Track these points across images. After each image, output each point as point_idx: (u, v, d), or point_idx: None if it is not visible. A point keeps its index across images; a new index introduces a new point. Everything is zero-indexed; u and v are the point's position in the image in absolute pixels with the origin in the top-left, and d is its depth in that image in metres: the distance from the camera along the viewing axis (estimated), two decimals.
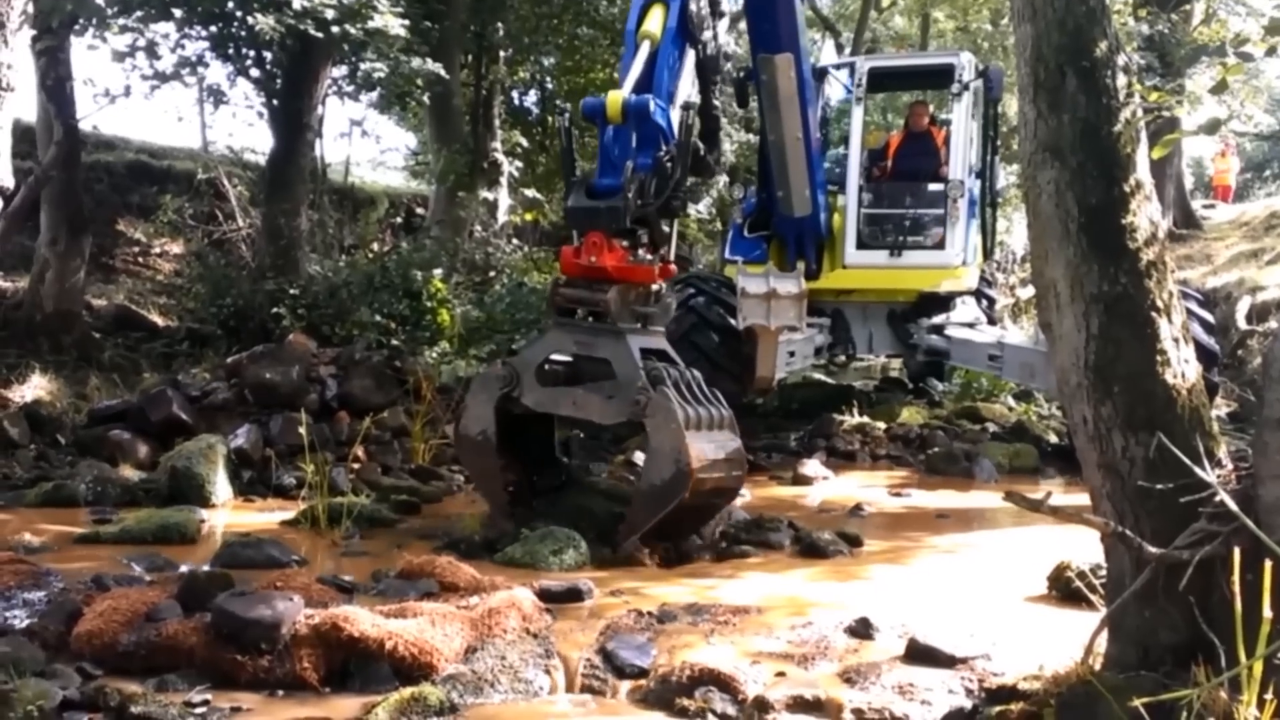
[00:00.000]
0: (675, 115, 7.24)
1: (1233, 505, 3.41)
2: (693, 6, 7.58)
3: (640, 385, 6.44)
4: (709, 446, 6.44)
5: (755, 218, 12.04)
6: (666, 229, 7.16)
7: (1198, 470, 3.50)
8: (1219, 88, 4.42)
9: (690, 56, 7.71)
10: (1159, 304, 3.71)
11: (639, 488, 6.64)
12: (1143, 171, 3.83)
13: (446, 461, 9.63)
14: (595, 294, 6.77)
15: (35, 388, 10.26)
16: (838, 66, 13.62)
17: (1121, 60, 3.85)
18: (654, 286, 6.98)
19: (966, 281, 12.16)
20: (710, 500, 6.69)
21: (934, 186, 11.92)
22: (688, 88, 7.72)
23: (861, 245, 11.90)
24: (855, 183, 11.98)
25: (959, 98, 11.84)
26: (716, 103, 7.87)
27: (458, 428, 7.30)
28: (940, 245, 11.77)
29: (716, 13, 8.01)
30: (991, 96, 11.88)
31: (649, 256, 6.95)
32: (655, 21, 7.28)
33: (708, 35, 7.81)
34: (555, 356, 7.06)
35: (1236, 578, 3.20)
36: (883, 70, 13.11)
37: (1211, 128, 4.55)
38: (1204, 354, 7.26)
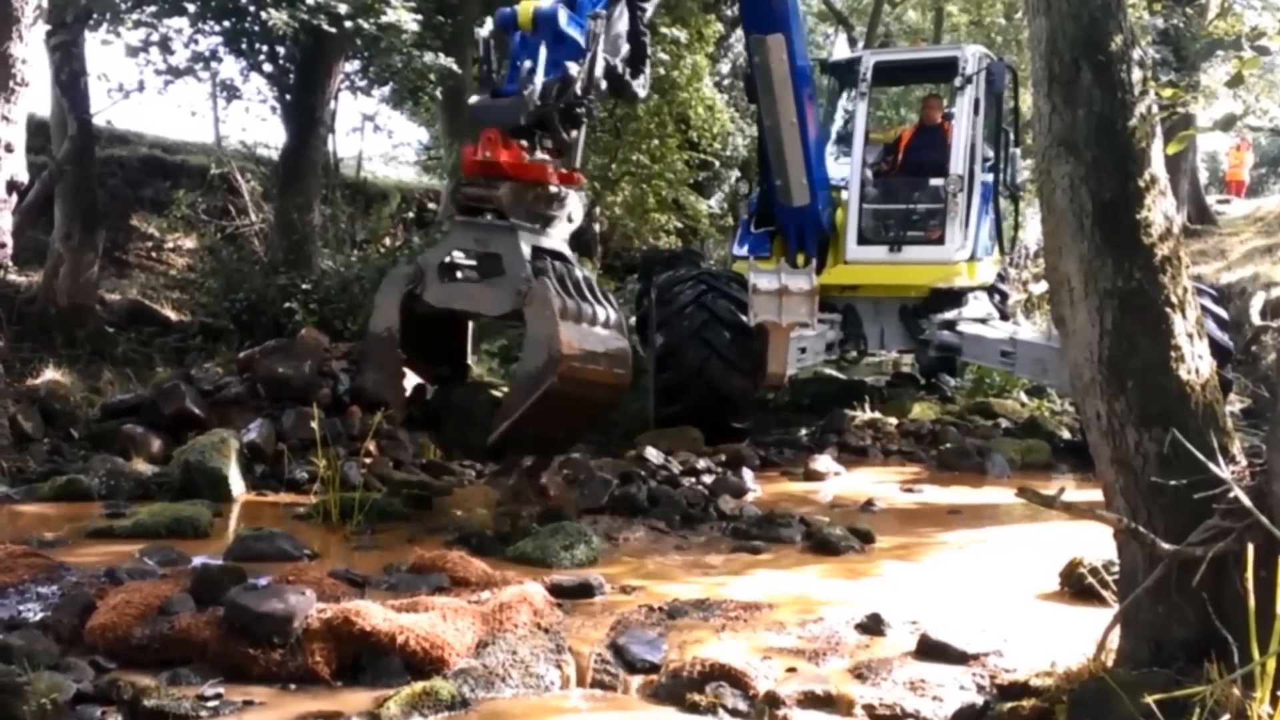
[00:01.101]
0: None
1: (1246, 501, 3.40)
2: None
3: (524, 277, 6.60)
4: (586, 338, 6.61)
5: (760, 212, 12.04)
6: (569, 137, 7.26)
7: (1211, 466, 3.48)
8: (1234, 82, 4.42)
9: None
10: (1173, 299, 3.69)
11: (515, 376, 6.83)
12: (1157, 166, 3.81)
13: (458, 456, 9.63)
14: (491, 191, 6.93)
15: (49, 381, 10.29)
16: (847, 62, 13.57)
17: (1136, 54, 3.83)
18: (554, 190, 7.10)
19: (979, 277, 12.10)
20: (586, 394, 6.71)
21: (935, 181, 11.83)
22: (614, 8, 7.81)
23: (863, 241, 11.85)
24: (858, 177, 11.93)
25: (962, 91, 11.77)
26: (644, 28, 7.95)
27: (365, 326, 7.44)
28: (939, 241, 11.69)
29: None
30: (994, 90, 11.82)
31: (547, 158, 7.09)
32: None
33: None
34: (464, 260, 7.18)
35: (1250, 574, 3.19)
36: (888, 64, 13.07)
37: (1227, 123, 4.54)
38: (1218, 350, 7.22)
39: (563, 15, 7.01)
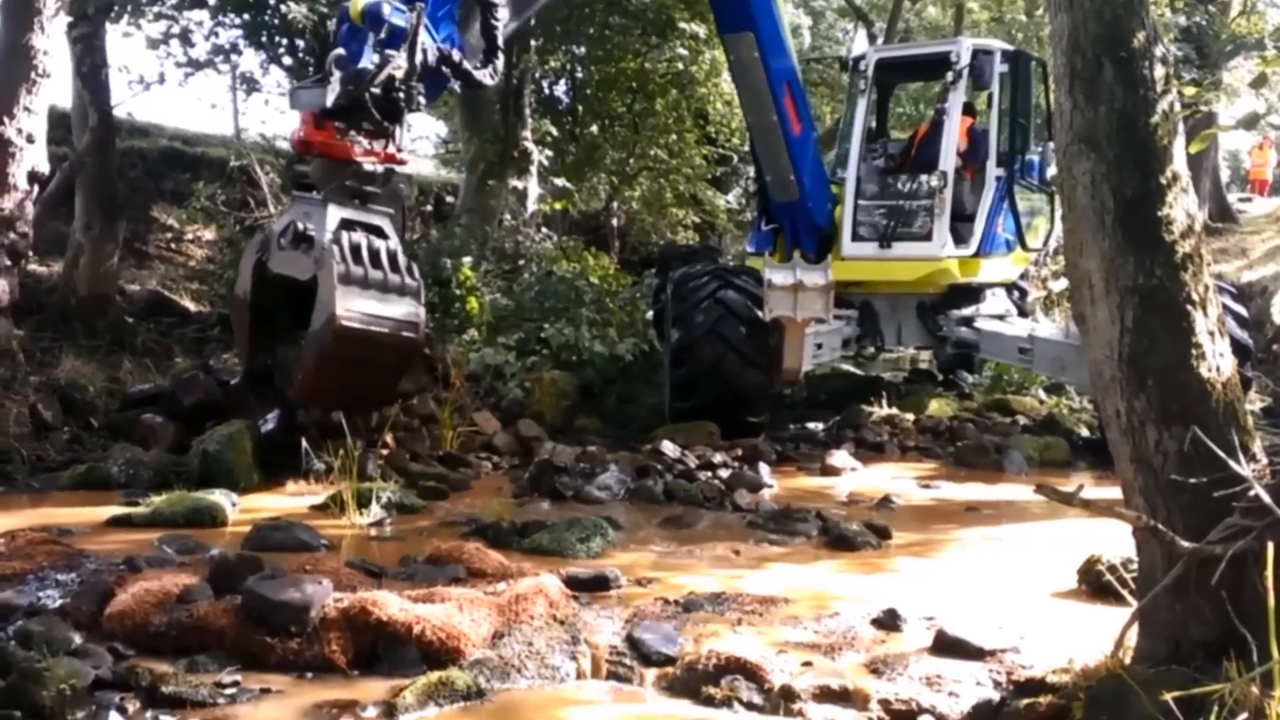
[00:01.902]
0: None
1: (1267, 499, 3.38)
2: None
3: (322, 244, 7.22)
4: (369, 303, 7.17)
5: (761, 206, 12.06)
6: (389, 124, 7.73)
7: (1232, 464, 3.46)
8: (1258, 81, 4.39)
9: None
10: (1194, 297, 3.67)
11: (306, 335, 7.30)
12: (1179, 163, 3.79)
13: (475, 449, 9.67)
14: (306, 168, 7.63)
15: (69, 371, 10.35)
16: (853, 59, 13.55)
17: (1159, 51, 3.81)
18: (371, 168, 7.64)
19: (985, 274, 11.98)
20: (368, 354, 7.28)
21: (924, 177, 11.77)
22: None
23: (856, 237, 11.82)
24: (854, 174, 11.89)
25: (954, 86, 11.70)
26: (496, 22, 8.34)
27: (231, 288, 8.14)
28: (928, 237, 11.62)
29: None
30: (980, 85, 11.75)
31: (364, 140, 7.64)
32: None
33: None
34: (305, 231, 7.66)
35: (1270, 573, 3.18)
36: (890, 60, 13.04)
37: (1250, 122, 4.52)
38: (1238, 348, 7.19)
39: (386, 8, 7.48)
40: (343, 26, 7.69)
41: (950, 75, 11.66)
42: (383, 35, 7.54)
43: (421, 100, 7.74)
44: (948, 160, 11.51)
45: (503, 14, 8.35)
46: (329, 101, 7.41)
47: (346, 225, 7.44)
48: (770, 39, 10.66)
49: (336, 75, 7.40)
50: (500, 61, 8.44)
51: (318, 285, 7.21)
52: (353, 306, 7.05)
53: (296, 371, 7.31)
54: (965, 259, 11.70)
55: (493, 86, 8.89)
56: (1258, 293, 17.43)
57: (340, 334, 6.97)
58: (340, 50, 7.54)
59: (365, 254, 7.38)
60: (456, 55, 7.99)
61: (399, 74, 7.49)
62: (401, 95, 7.58)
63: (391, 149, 7.80)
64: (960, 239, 11.67)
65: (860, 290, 12.09)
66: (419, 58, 7.56)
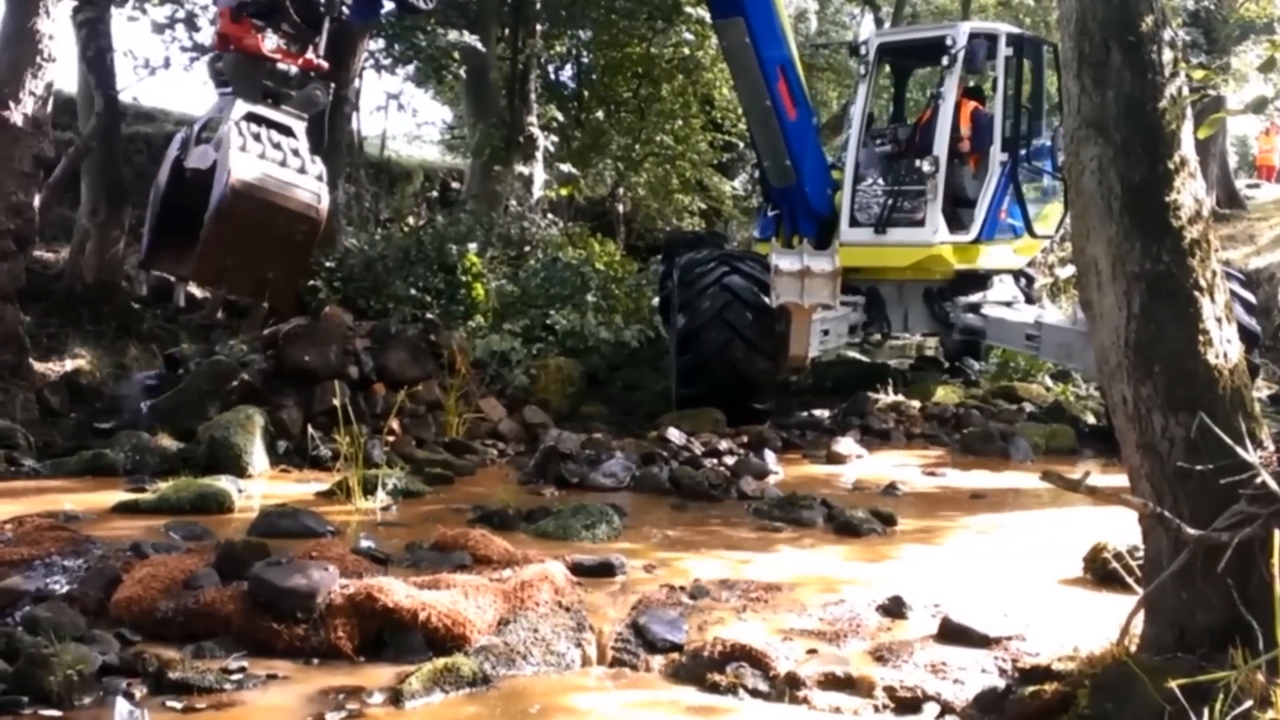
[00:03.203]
0: None
1: (1274, 486, 3.37)
2: None
3: (225, 129, 7.19)
4: (269, 167, 7.21)
5: (763, 192, 12.04)
6: (307, 29, 7.77)
7: (1239, 451, 3.46)
8: (1266, 66, 4.37)
9: None
10: (1201, 283, 3.66)
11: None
12: (1187, 149, 3.77)
13: (480, 435, 9.67)
14: (220, 62, 7.62)
15: (75, 357, 10.37)
16: (855, 44, 13.50)
17: (1167, 35, 3.79)
18: (283, 68, 7.64)
19: (986, 261, 11.91)
20: (267, 218, 7.22)
21: (919, 162, 11.65)
22: None
23: (854, 223, 11.79)
24: (853, 159, 11.86)
25: (950, 70, 11.64)
26: None
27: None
28: (920, 223, 11.56)
29: None
30: (972, 68, 11.69)
31: (281, 40, 7.66)
32: None
33: None
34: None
35: (1276, 560, 3.17)
36: (890, 45, 12.98)
37: (1258, 106, 4.50)
38: (1246, 335, 7.15)
39: None
40: None
41: (945, 59, 11.61)
42: None
43: (345, 11, 7.86)
44: (941, 145, 11.45)
45: None
46: None
47: (252, 119, 7.44)
48: (761, 24, 10.63)
49: None
50: None
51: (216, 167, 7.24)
52: (250, 166, 7.09)
53: (196, 250, 7.20)
54: (963, 245, 11.64)
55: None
56: (1265, 279, 17.38)
57: (238, 190, 6.97)
58: None
59: (269, 143, 7.42)
60: None
61: None
62: (323, 2, 7.72)
63: (310, 55, 7.83)
64: (960, 225, 11.62)
65: (864, 276, 12.06)
66: None
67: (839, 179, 12.00)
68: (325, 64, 7.99)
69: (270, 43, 7.57)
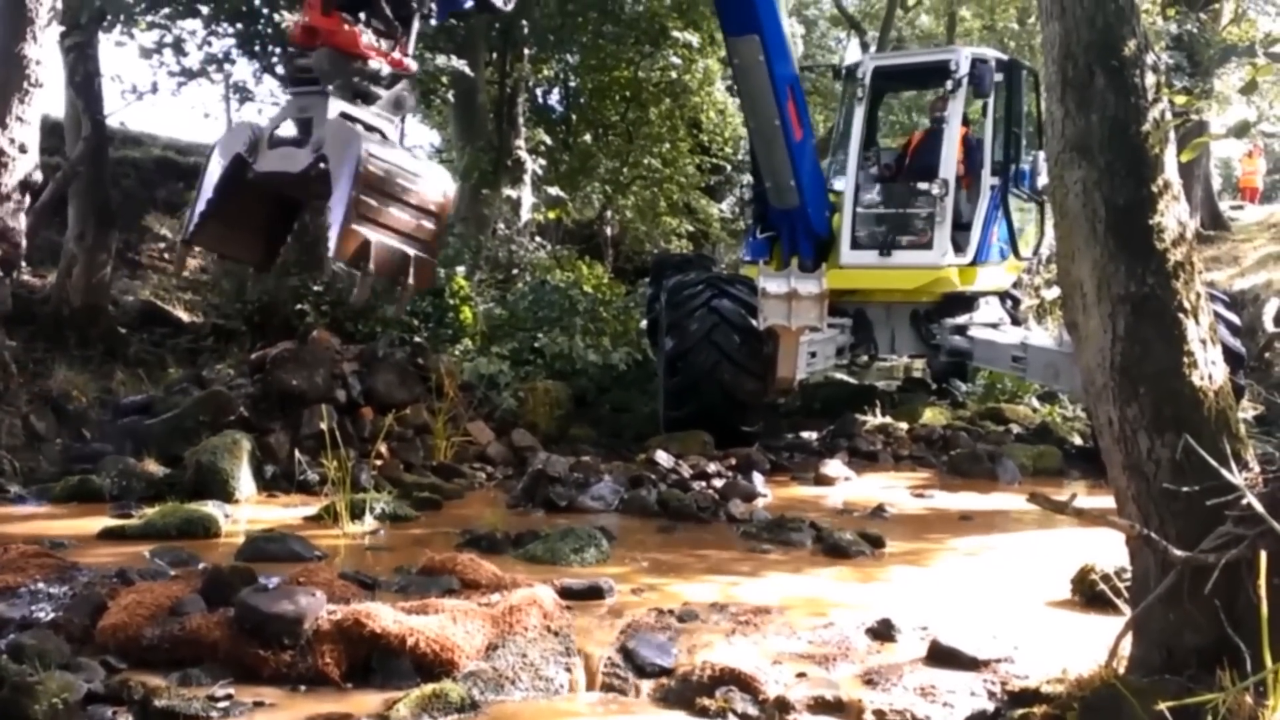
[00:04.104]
0: None
1: (1260, 508, 3.38)
2: None
3: (332, 122, 6.51)
4: (394, 153, 6.53)
5: (758, 214, 12.05)
6: (398, 24, 7.18)
7: (1224, 472, 3.47)
8: (1248, 88, 4.40)
9: None
10: (1186, 305, 3.68)
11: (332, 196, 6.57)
12: (1171, 171, 3.80)
13: (469, 459, 9.65)
14: (308, 60, 6.86)
15: (61, 381, 10.33)
16: (849, 66, 13.57)
17: (1150, 59, 3.83)
18: (375, 66, 6.98)
19: (981, 282, 12.01)
20: (401, 197, 6.57)
21: (924, 185, 11.77)
22: None
23: (856, 245, 11.83)
24: (853, 182, 11.91)
25: (954, 95, 11.74)
26: None
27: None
28: (928, 245, 11.64)
29: None
30: (979, 93, 11.78)
31: (372, 37, 6.99)
32: None
33: None
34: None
35: (1263, 581, 3.18)
36: (887, 69, 13.06)
37: (1240, 130, 4.52)
38: (1230, 356, 7.19)
39: None
40: None
41: (950, 84, 11.70)
42: None
43: (433, 6, 7.28)
44: (949, 168, 11.54)
45: None
46: None
47: (348, 119, 6.82)
48: (775, 42, 10.66)
49: None
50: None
51: (329, 162, 6.53)
52: (376, 149, 6.40)
53: (336, 225, 6.46)
54: (963, 267, 11.73)
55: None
56: (1250, 300, 17.45)
57: (367, 159, 6.29)
58: None
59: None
60: None
61: None
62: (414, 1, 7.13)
63: (398, 55, 7.25)
64: (957, 247, 11.69)
65: (856, 299, 12.10)
66: None
67: (834, 201, 12.04)
68: (414, 65, 7.50)
69: (365, 37, 7.02)
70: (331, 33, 6.90)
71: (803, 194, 11.39)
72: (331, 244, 6.41)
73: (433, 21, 7.29)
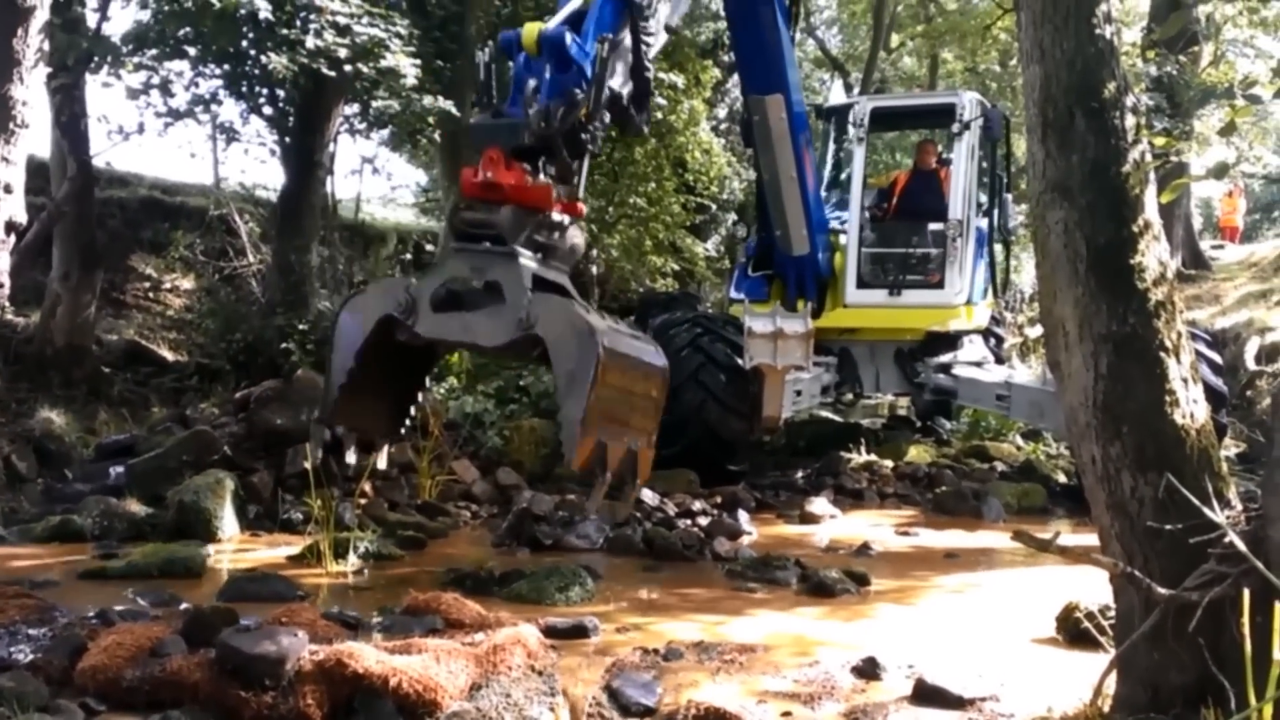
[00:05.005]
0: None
1: (1242, 546, 3.40)
2: None
3: (526, 302, 5.98)
4: (620, 336, 6.00)
5: (758, 257, 12.09)
6: (574, 165, 6.78)
7: (1207, 511, 3.48)
8: (1227, 130, 4.45)
9: (625, 16, 7.51)
10: (1168, 344, 3.71)
11: (558, 385, 6.08)
12: (1151, 211, 3.84)
13: (453, 497, 9.62)
14: (491, 215, 6.39)
15: (44, 421, 10.28)
16: (843, 107, 13.67)
17: (1130, 101, 3.88)
18: (557, 219, 6.57)
19: (975, 320, 12.17)
20: (631, 386, 6.08)
21: (935, 226, 11.94)
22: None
23: (862, 284, 11.92)
24: (856, 222, 12.00)
25: (960, 137, 11.89)
26: (649, 64, 7.45)
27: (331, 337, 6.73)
28: (940, 285, 11.78)
29: None
30: (991, 136, 11.93)
31: (551, 183, 6.55)
32: None
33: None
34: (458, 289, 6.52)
35: (1246, 619, 3.19)
36: (885, 110, 13.18)
37: (1219, 171, 4.58)
38: (1212, 395, 7.23)
39: (568, 38, 6.65)
40: (518, 58, 6.74)
41: (956, 126, 11.85)
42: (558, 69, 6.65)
43: (598, 143, 6.87)
44: (958, 209, 11.72)
45: (654, 48, 7.49)
46: (528, 138, 6.43)
47: (539, 283, 6.27)
48: (796, 94, 10.73)
49: (538, 109, 6.41)
50: (650, 106, 7.51)
51: (540, 339, 5.99)
52: (609, 342, 5.84)
53: (567, 431, 5.93)
54: (964, 306, 11.88)
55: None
56: (1231, 339, 17.55)
57: (609, 350, 5.76)
58: (533, 82, 6.54)
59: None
60: (624, 97, 7.10)
61: (584, 113, 6.58)
62: (586, 136, 6.67)
63: (573, 200, 6.80)
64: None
65: (843, 337, 12.17)
66: (605, 95, 6.68)
67: (832, 240, 12.11)
68: (584, 206, 6.98)
69: (555, 191, 6.52)
70: (519, 189, 6.42)
71: (813, 240, 11.46)
72: (567, 453, 5.90)
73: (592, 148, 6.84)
